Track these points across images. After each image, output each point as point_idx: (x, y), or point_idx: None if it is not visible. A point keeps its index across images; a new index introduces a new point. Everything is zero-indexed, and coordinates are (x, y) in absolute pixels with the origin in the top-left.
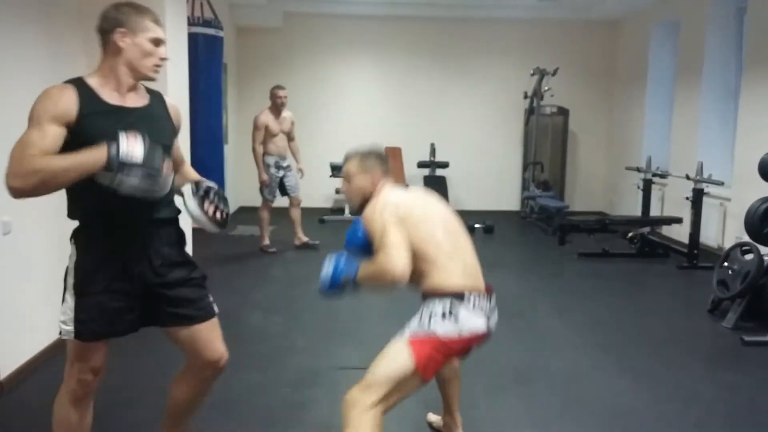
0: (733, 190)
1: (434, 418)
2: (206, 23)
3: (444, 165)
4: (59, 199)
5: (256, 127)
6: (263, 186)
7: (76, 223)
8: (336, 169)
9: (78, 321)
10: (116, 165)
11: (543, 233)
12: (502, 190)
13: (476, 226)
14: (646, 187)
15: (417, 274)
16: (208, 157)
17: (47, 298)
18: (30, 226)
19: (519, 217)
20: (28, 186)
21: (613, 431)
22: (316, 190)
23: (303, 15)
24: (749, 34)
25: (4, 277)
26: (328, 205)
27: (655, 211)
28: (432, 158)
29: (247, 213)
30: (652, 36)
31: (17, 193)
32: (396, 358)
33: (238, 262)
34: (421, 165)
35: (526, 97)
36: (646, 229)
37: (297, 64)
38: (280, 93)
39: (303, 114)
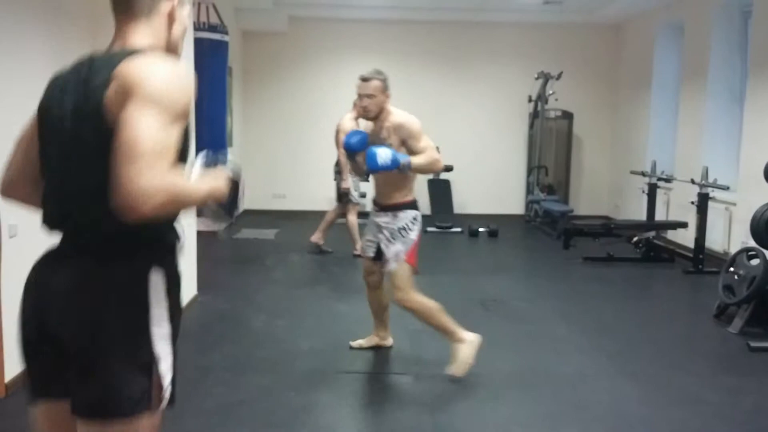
0: (739, 195)
1: (360, 341)
2: (212, 28)
3: (448, 169)
4: None
5: (338, 131)
6: (346, 192)
7: None
8: (339, 174)
9: (173, 384)
10: (228, 209)
11: (547, 237)
12: (506, 194)
13: (480, 230)
14: (651, 192)
15: (400, 185)
16: None
17: None
18: (35, 230)
19: (523, 221)
20: (156, 207)
21: None
22: (318, 191)
23: (308, 19)
24: (754, 37)
25: (10, 279)
26: (331, 207)
27: (660, 216)
28: None
29: (252, 216)
30: (657, 39)
31: (140, 214)
32: (404, 272)
33: (242, 265)
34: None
35: (530, 100)
36: (652, 234)
37: (302, 68)
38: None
39: (308, 118)
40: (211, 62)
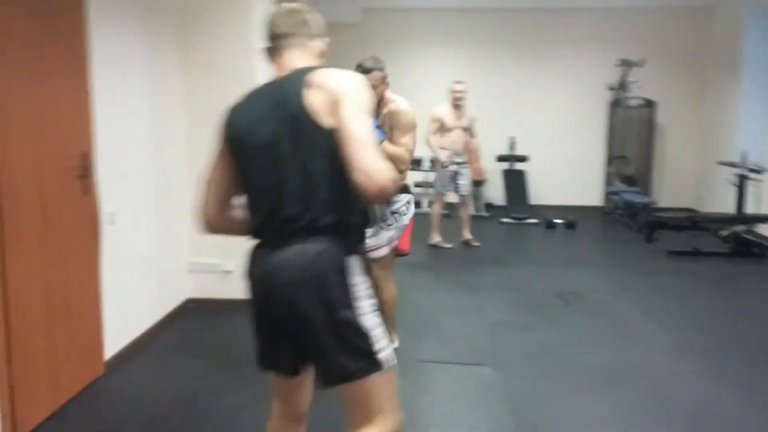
0: None
1: None
2: None
3: (523, 159)
4: (156, 190)
5: (432, 119)
6: (442, 168)
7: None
8: (415, 162)
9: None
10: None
11: (628, 230)
12: (584, 185)
13: (557, 221)
14: (741, 183)
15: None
16: None
17: (147, 283)
18: (132, 216)
19: (602, 212)
20: (389, 180)
21: None
22: None
23: (381, 9)
24: None
25: (110, 263)
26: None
27: (750, 209)
28: (511, 152)
29: None
30: (747, 22)
31: (380, 186)
32: (390, 255)
33: None
34: (501, 159)
35: (610, 89)
36: (741, 227)
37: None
38: (456, 87)
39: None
40: None
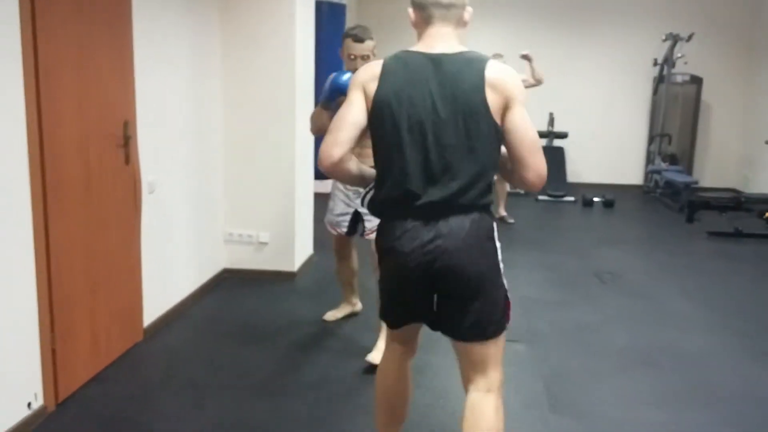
0: None
1: (333, 312)
2: None
3: (563, 135)
4: (195, 160)
5: None
6: None
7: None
8: None
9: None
10: None
11: (668, 210)
12: (624, 163)
13: (595, 199)
14: None
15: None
16: None
17: (185, 253)
18: (171, 186)
19: (642, 191)
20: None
21: (743, 418)
22: None
23: None
24: None
25: (150, 232)
26: None
27: None
28: (550, 128)
29: None
30: None
31: (540, 186)
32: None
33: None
34: (539, 135)
35: (655, 64)
36: None
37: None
38: None
39: None
40: (330, 26)
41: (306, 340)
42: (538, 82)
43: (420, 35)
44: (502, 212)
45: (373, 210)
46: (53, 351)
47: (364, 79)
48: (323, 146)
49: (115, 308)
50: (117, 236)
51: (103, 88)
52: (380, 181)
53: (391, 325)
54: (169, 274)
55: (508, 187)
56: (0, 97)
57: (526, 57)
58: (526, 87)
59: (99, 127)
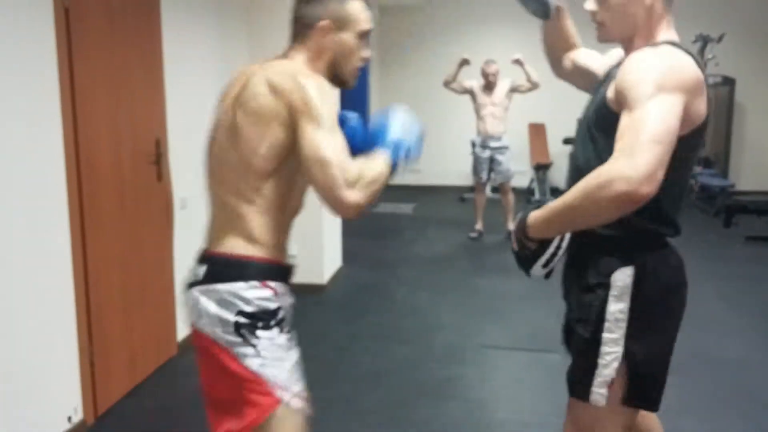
0: None
1: None
2: None
3: None
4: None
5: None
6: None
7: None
8: (474, 145)
9: None
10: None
11: (703, 214)
12: None
13: None
14: None
15: None
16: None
17: None
18: (202, 202)
19: None
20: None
21: None
22: (454, 165)
23: None
24: None
25: (183, 247)
26: (468, 182)
27: None
28: None
29: (388, 190)
30: None
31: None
32: None
33: (382, 239)
34: (567, 142)
35: None
36: None
37: (439, 41)
38: (489, 70)
39: (443, 93)
40: None
41: (335, 351)
42: (534, 86)
43: (658, 24)
44: (511, 226)
45: (668, 227)
46: (92, 366)
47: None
48: (645, 162)
49: (150, 323)
50: (151, 252)
51: (136, 107)
52: (677, 200)
53: (655, 403)
54: None
55: (512, 199)
56: (38, 117)
57: (518, 62)
58: (524, 91)
59: (132, 146)
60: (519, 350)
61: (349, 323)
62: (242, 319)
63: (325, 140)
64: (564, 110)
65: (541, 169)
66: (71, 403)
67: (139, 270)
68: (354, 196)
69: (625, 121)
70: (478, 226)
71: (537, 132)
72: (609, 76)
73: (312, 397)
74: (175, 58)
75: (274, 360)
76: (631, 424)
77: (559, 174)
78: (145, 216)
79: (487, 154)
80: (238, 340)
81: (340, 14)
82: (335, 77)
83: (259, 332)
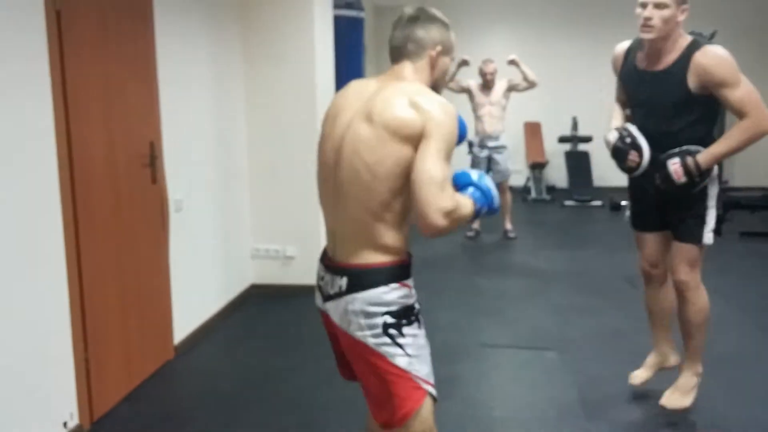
0: None
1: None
2: (348, 5)
3: (587, 139)
4: (220, 177)
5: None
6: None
7: None
8: (472, 145)
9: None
10: None
11: None
12: None
13: (623, 203)
14: None
15: None
16: None
17: (213, 270)
18: (198, 203)
19: None
20: None
21: None
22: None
23: None
24: None
25: (178, 250)
26: None
27: None
28: (574, 132)
29: None
30: None
31: None
32: None
33: None
34: (563, 140)
35: None
36: None
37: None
38: (487, 69)
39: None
40: (349, 40)
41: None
42: (531, 85)
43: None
44: (507, 225)
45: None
46: (87, 371)
47: None
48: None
49: (146, 327)
50: (146, 255)
51: (129, 110)
52: None
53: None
54: (197, 292)
55: (509, 199)
56: (30, 122)
57: (513, 62)
58: (521, 90)
59: (126, 148)
60: (517, 348)
61: None
62: (389, 319)
63: (439, 166)
64: (559, 109)
65: (537, 167)
66: (67, 409)
67: (135, 273)
68: (442, 223)
69: (737, 93)
70: (475, 225)
71: (533, 131)
72: (669, 74)
73: (314, 395)
74: (168, 60)
75: (419, 357)
76: None
77: (554, 172)
78: (140, 219)
79: (485, 153)
80: (387, 341)
81: (448, 40)
82: None
83: (405, 329)
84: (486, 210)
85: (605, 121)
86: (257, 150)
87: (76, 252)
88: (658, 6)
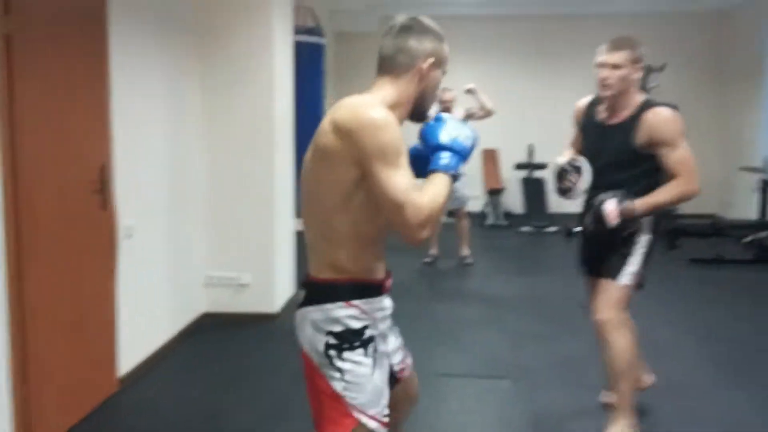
0: None
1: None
2: (309, 31)
3: (543, 167)
4: (173, 204)
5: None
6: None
7: None
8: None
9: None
10: None
11: None
12: None
13: (576, 230)
14: (764, 189)
15: None
16: None
17: (164, 298)
18: (150, 229)
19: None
20: None
21: None
22: None
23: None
24: None
25: (127, 277)
26: None
27: None
28: (530, 160)
29: None
30: (767, 28)
31: None
32: None
33: None
34: (519, 167)
35: None
36: (765, 234)
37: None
38: (445, 97)
39: None
40: (309, 66)
41: (289, 384)
42: (488, 114)
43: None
44: (464, 251)
45: None
46: (25, 406)
47: None
48: (697, 179)
49: (89, 359)
50: (92, 284)
51: (79, 134)
52: None
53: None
54: (147, 321)
55: (467, 225)
56: None
57: (470, 91)
58: (478, 119)
59: (74, 173)
60: (472, 377)
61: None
62: (331, 340)
63: (393, 182)
64: (516, 137)
65: (495, 193)
66: None
67: (79, 303)
68: (425, 234)
69: (676, 154)
70: (433, 250)
71: (490, 158)
72: (622, 128)
73: (267, 428)
74: (123, 83)
75: (357, 384)
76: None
77: (511, 198)
78: (87, 246)
79: None
80: (326, 361)
81: (441, 52)
82: (417, 109)
83: (345, 354)
84: (462, 163)
85: (560, 149)
86: (213, 176)
87: (17, 282)
88: (614, 67)
